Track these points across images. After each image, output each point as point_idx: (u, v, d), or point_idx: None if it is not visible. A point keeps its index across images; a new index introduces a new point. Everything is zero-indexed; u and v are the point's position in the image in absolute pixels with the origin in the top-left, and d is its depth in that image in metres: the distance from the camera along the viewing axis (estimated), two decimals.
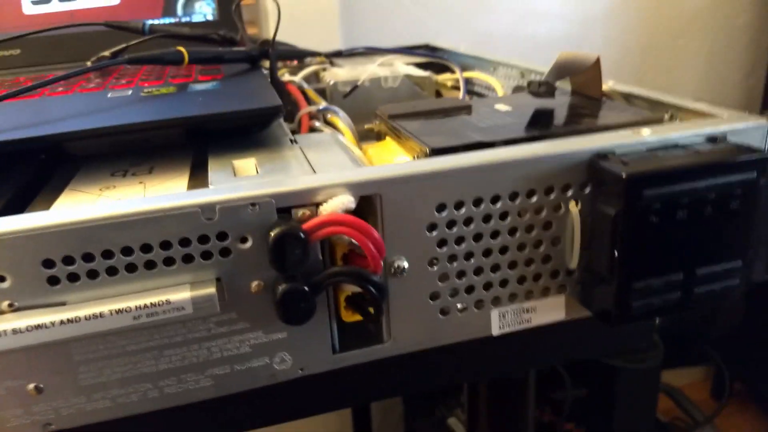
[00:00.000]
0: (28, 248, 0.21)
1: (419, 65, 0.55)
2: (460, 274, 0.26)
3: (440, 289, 0.26)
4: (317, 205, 0.23)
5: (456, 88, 0.54)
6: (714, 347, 1.07)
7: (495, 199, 0.26)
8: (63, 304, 0.21)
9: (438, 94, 0.53)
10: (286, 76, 0.50)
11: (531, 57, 0.49)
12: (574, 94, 0.36)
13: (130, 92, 0.33)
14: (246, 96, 0.31)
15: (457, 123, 0.32)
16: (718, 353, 1.06)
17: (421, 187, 0.24)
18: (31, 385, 0.22)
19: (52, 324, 0.21)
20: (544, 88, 0.33)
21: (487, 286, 0.27)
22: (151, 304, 0.22)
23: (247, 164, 0.27)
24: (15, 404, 0.22)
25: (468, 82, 0.56)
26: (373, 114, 0.36)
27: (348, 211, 0.23)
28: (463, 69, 0.55)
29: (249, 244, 0.23)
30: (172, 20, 0.52)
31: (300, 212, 0.23)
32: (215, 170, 0.26)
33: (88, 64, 0.43)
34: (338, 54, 0.52)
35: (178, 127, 0.28)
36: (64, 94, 0.34)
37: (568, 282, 0.28)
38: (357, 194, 0.24)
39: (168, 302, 0.22)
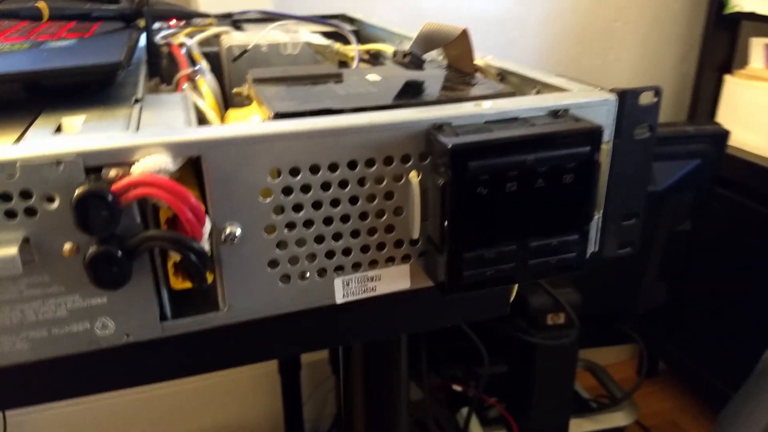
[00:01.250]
0: None
1: (328, 36, 0.54)
2: (300, 242, 0.26)
3: (279, 256, 0.26)
4: (130, 166, 0.23)
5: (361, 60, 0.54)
6: (638, 327, 1.11)
7: (333, 167, 0.25)
8: None
9: (341, 64, 0.53)
10: (180, 38, 0.48)
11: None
12: (449, 68, 0.36)
13: None
14: (90, 53, 0.30)
15: (319, 90, 0.31)
16: (643, 333, 1.10)
17: (249, 151, 0.24)
18: None
19: None
20: (408, 59, 0.32)
21: (330, 254, 0.27)
22: None
23: (73, 122, 0.26)
24: None
25: (379, 55, 0.56)
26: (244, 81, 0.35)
27: (166, 174, 0.23)
28: (373, 41, 0.55)
29: (56, 204, 0.22)
30: None
31: (112, 172, 0.22)
32: (39, 127, 0.25)
33: None
34: (228, 16, 0.50)
35: (10, 82, 0.27)
36: None
37: (412, 252, 0.28)
38: (177, 155, 0.23)
39: None
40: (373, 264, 0.28)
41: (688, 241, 1.06)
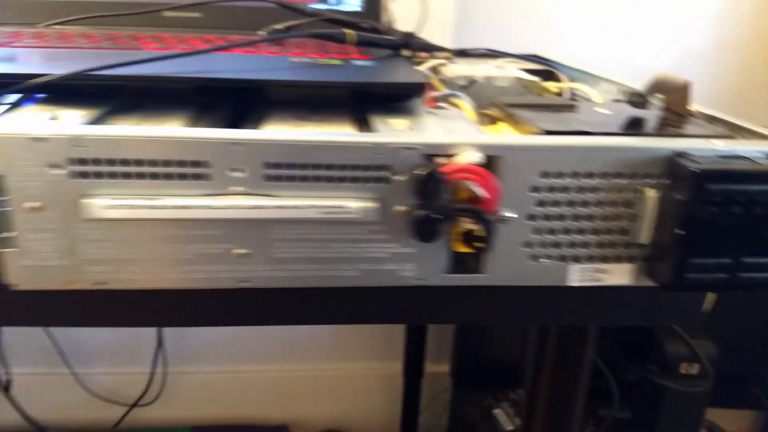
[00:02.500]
0: (261, 152, 0.30)
1: (529, 71, 0.62)
2: (551, 231, 0.34)
3: (533, 240, 0.34)
4: (451, 156, 0.31)
5: (559, 95, 0.61)
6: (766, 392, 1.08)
7: (589, 175, 0.33)
8: (272, 195, 0.31)
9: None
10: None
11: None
12: (665, 110, 0.43)
13: (307, 60, 0.42)
14: (398, 73, 0.40)
15: (565, 116, 0.39)
16: None
17: (533, 156, 0.32)
18: (238, 251, 0.32)
19: (267, 207, 0.30)
20: (638, 98, 0.40)
21: (572, 244, 0.34)
22: (335, 205, 0.31)
23: (400, 123, 0.35)
24: (225, 261, 0.32)
25: (570, 91, 0.63)
26: (488, 105, 0.44)
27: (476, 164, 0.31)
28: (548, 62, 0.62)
29: (401, 177, 0.31)
30: (325, 7, 0.62)
31: (440, 160, 0.31)
32: (377, 124, 0.35)
33: (265, 33, 0.53)
34: (462, 52, 0.60)
35: (350, 89, 0.37)
36: (253, 53, 0.44)
37: (638, 254, 0.35)
38: (484, 153, 0.32)
39: (344, 207, 0.31)
40: (604, 259, 0.35)
41: None
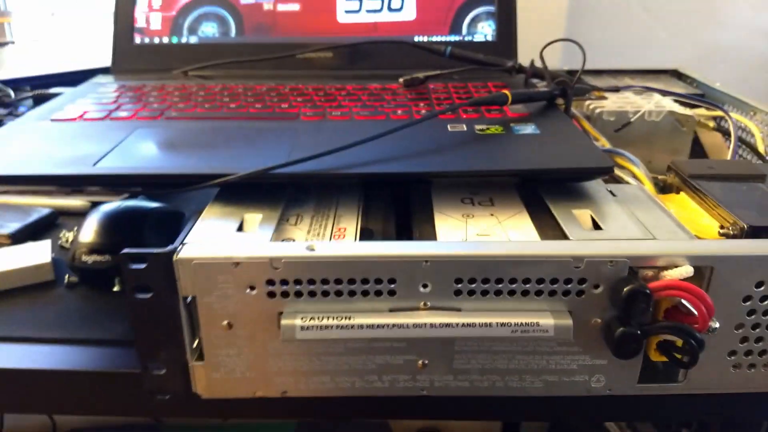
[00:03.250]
0: (449, 268, 0.29)
1: (676, 99, 0.57)
2: (758, 339, 0.31)
3: (738, 348, 0.31)
4: (658, 267, 0.29)
5: (716, 130, 0.56)
6: None
7: None
8: (459, 310, 0.29)
9: (696, 134, 0.55)
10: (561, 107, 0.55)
11: (759, 77, 0.49)
12: None
13: (464, 128, 0.40)
14: (572, 149, 0.37)
15: (759, 195, 0.35)
16: None
17: (747, 264, 0.29)
18: (421, 361, 0.31)
19: (455, 324, 0.29)
20: None
21: None
22: (526, 323, 0.29)
23: (584, 215, 0.33)
24: (406, 372, 0.31)
25: (723, 119, 0.57)
26: (639, 143, 0.40)
27: (686, 279, 0.28)
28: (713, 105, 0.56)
29: (599, 290, 0.29)
30: (457, 38, 0.59)
31: (646, 272, 0.29)
32: (561, 218, 0.33)
33: (401, 81, 0.51)
34: (615, 90, 0.55)
35: (520, 176, 0.35)
36: (404, 118, 0.43)
37: None
38: (693, 264, 0.29)
39: (537, 324, 0.29)
40: None
41: None
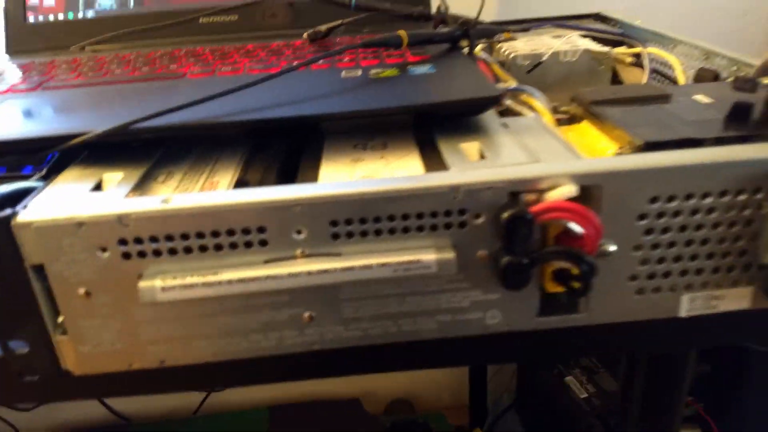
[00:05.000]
0: (322, 211, 0.27)
1: (595, 39, 0.55)
2: (660, 260, 0.29)
3: (639, 271, 0.30)
4: (541, 191, 0.27)
5: (634, 65, 0.55)
6: None
7: (705, 195, 0.28)
8: (339, 254, 0.27)
9: (615, 71, 0.54)
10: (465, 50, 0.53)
11: (698, 26, 0.48)
12: None
13: (359, 73, 0.38)
14: (465, 84, 0.35)
15: (662, 113, 0.34)
16: None
17: (639, 180, 0.27)
18: (307, 314, 0.29)
19: (334, 270, 0.27)
20: (749, 85, 0.33)
21: (683, 272, 0.30)
22: (407, 261, 0.27)
23: (472, 148, 0.31)
24: (293, 327, 0.29)
25: (641, 56, 0.56)
26: (555, 86, 0.38)
27: (570, 199, 0.27)
28: (637, 44, 0.55)
29: (481, 220, 0.27)
30: None
31: (527, 196, 0.27)
32: (447, 152, 0.31)
33: (305, 36, 0.49)
34: (520, 23, 0.54)
35: (413, 112, 0.33)
36: (303, 70, 0.40)
37: (757, 276, 0.30)
38: (580, 183, 0.27)
39: (419, 261, 0.27)
40: (720, 284, 0.30)
41: None
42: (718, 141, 0.30)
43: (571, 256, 0.27)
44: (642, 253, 0.29)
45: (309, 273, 0.27)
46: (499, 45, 0.54)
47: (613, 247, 0.29)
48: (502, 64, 0.51)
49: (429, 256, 0.27)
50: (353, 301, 0.29)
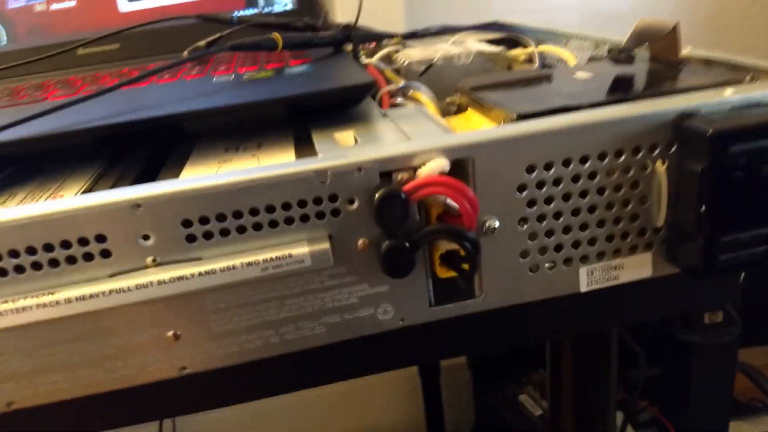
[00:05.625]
0: (168, 210, 0.24)
1: (491, 42, 0.56)
2: (549, 233, 0.28)
3: (530, 247, 0.28)
4: (414, 169, 0.25)
5: (528, 62, 0.55)
6: None
7: (583, 160, 0.27)
8: (199, 259, 0.25)
9: (511, 69, 0.54)
10: (363, 59, 0.52)
11: (598, 32, 0.49)
12: (653, 60, 0.37)
13: (232, 77, 0.36)
14: (339, 75, 0.33)
15: (540, 90, 0.33)
16: None
17: (511, 149, 0.26)
18: (170, 332, 0.26)
19: (191, 276, 0.24)
20: (623, 55, 0.33)
21: (576, 244, 0.28)
22: (276, 257, 0.24)
23: (346, 136, 0.29)
24: (156, 349, 0.26)
25: (540, 56, 0.57)
26: (451, 89, 0.38)
27: (443, 173, 0.25)
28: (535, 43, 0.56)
29: (356, 205, 0.25)
30: (255, 11, 0.55)
31: (399, 175, 0.25)
32: (319, 142, 0.29)
33: (185, 54, 0.46)
34: (413, 35, 0.53)
35: (282, 105, 0.31)
36: (171, 81, 0.38)
37: (654, 239, 0.29)
38: (451, 158, 0.26)
39: (290, 256, 0.24)
40: (617, 253, 0.29)
41: None
42: (593, 106, 0.29)
43: (451, 233, 0.25)
44: (529, 227, 0.28)
45: (161, 282, 0.24)
46: (396, 55, 0.53)
47: (496, 223, 0.27)
48: (398, 71, 0.51)
49: (301, 249, 0.25)
50: (223, 311, 0.26)
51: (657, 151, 0.27)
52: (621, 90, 0.31)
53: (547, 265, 0.29)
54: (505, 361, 0.99)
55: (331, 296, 0.27)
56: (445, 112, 0.39)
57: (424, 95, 0.38)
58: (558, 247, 0.28)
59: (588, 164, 0.27)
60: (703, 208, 0.26)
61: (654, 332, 0.91)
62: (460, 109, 0.38)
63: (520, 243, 0.28)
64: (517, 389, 0.98)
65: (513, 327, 0.30)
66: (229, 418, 1.08)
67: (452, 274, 0.28)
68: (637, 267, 0.29)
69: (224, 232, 0.25)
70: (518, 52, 0.55)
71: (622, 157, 0.27)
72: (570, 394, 0.39)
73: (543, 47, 0.54)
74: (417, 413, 1.10)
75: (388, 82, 0.46)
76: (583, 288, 0.29)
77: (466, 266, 0.27)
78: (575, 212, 0.28)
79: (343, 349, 0.28)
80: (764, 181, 0.26)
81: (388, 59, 0.55)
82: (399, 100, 0.40)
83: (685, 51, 0.37)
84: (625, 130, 0.27)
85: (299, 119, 0.33)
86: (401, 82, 0.44)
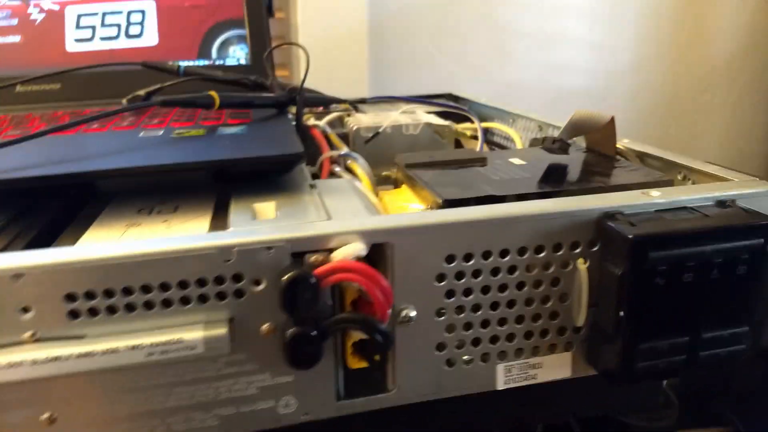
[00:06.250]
0: (52, 282, 0.22)
1: (441, 114, 0.56)
2: (467, 326, 0.27)
3: (447, 339, 0.27)
4: (330, 251, 0.24)
5: (475, 137, 0.55)
6: (732, 410, 1.03)
7: (504, 253, 0.26)
8: (82, 337, 0.22)
9: (457, 143, 0.55)
10: (311, 121, 0.52)
11: (555, 109, 0.50)
12: (589, 151, 0.37)
13: (161, 132, 0.34)
14: (270, 142, 0.32)
15: (471, 174, 0.33)
16: (740, 416, 1.02)
17: (431, 237, 0.25)
18: (45, 415, 0.23)
19: (69, 356, 0.22)
20: (558, 145, 0.34)
21: (494, 339, 0.27)
22: (164, 342, 0.22)
23: (267, 207, 0.28)
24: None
25: (488, 132, 0.57)
26: (392, 162, 0.37)
27: (359, 259, 0.24)
28: (483, 120, 0.57)
29: (262, 286, 0.24)
30: (207, 62, 0.54)
31: (313, 257, 0.24)
32: (236, 212, 0.27)
33: (124, 102, 0.45)
34: (362, 101, 0.53)
35: (202, 169, 0.29)
36: (99, 131, 0.36)
37: (574, 339, 0.28)
38: (369, 242, 0.24)
39: (180, 341, 0.23)
40: (536, 350, 0.28)
41: None
42: (520, 198, 0.29)
43: (361, 324, 0.24)
44: (446, 318, 0.26)
45: (35, 362, 0.22)
46: (347, 119, 0.53)
47: (413, 312, 0.26)
48: (346, 135, 0.50)
49: (193, 334, 0.23)
50: (104, 396, 0.23)
51: (579, 249, 0.27)
52: (550, 181, 0.31)
53: (464, 359, 0.27)
54: None
55: (228, 386, 0.25)
56: (384, 184, 0.38)
57: (360, 168, 0.37)
58: (475, 342, 0.27)
59: (508, 258, 0.26)
60: (622, 312, 0.25)
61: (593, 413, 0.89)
62: (396, 184, 0.37)
63: (437, 335, 0.27)
64: None
65: (428, 423, 0.29)
66: None
67: (364, 364, 0.26)
68: (556, 366, 0.28)
69: (111, 310, 0.23)
70: (465, 127, 0.56)
71: (543, 253, 0.26)
72: None
73: (491, 124, 0.55)
74: None
75: (332, 147, 0.45)
76: (500, 385, 0.28)
77: (377, 357, 0.26)
78: (494, 306, 0.27)
79: None
80: (685, 290, 0.26)
81: (339, 123, 0.55)
82: (338, 169, 0.39)
83: (622, 143, 0.37)
84: (547, 225, 0.26)
85: (224, 183, 0.32)
86: (344, 149, 0.43)
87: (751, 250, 0.26)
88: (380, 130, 0.48)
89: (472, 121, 0.56)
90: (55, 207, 0.31)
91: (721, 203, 0.27)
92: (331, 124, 0.53)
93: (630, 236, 0.24)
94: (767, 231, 0.26)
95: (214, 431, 0.25)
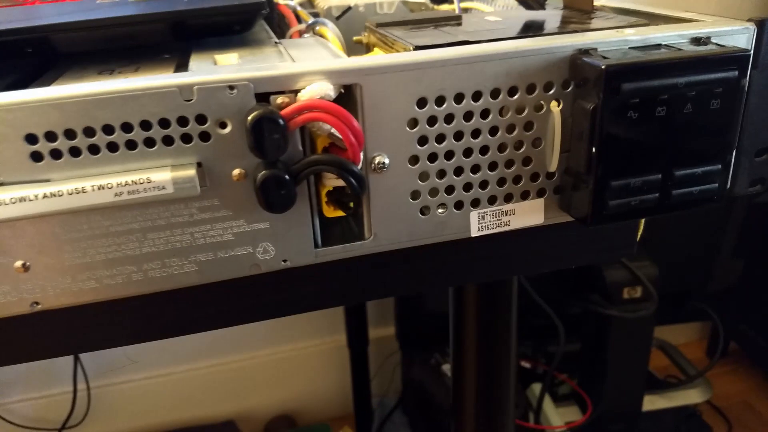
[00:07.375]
0: (8, 122, 0.21)
1: None
2: (441, 174, 0.27)
3: (420, 188, 0.27)
4: (296, 92, 0.23)
5: None
6: (712, 305, 1.08)
7: (476, 96, 0.26)
8: (48, 181, 0.22)
9: None
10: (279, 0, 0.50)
11: None
12: (566, 7, 0.36)
13: None
14: None
15: (445, 30, 0.31)
16: (716, 311, 1.07)
17: (401, 78, 0.24)
18: (19, 263, 0.23)
19: (36, 197, 0.21)
20: (535, 1, 0.32)
21: (467, 186, 0.27)
22: (132, 181, 0.22)
23: (228, 57, 0.27)
24: (3, 281, 0.23)
25: (466, 11, 0.55)
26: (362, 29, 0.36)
27: (327, 99, 0.23)
28: None
29: (228, 129, 0.23)
30: None
31: (279, 99, 0.23)
32: (196, 61, 0.26)
33: None
34: None
35: (160, 22, 0.28)
36: (56, 2, 0.34)
37: (547, 185, 0.28)
38: (337, 83, 0.24)
39: (149, 180, 0.22)
40: (509, 198, 0.28)
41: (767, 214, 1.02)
42: (493, 41, 0.28)
43: (333, 165, 0.24)
44: (420, 166, 0.26)
45: (2, 203, 0.21)
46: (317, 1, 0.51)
47: (386, 159, 0.26)
48: (317, 15, 0.48)
49: (161, 175, 0.22)
50: (76, 242, 0.23)
51: (552, 90, 0.26)
52: (526, 31, 0.30)
53: (437, 207, 0.27)
54: (431, 332, 1.00)
55: (203, 231, 0.25)
56: (354, 52, 0.37)
57: (330, 32, 0.35)
58: (449, 189, 0.27)
59: (481, 101, 0.26)
60: (594, 149, 0.25)
61: (576, 308, 0.93)
62: (369, 50, 0.36)
63: (411, 183, 0.27)
64: (441, 359, 0.99)
65: (405, 272, 0.29)
66: (148, 385, 1.05)
67: (340, 213, 0.26)
68: (529, 213, 0.29)
69: (75, 152, 0.22)
70: (442, 7, 0.53)
71: (516, 95, 0.26)
72: (473, 348, 0.39)
73: (468, 4, 0.52)
74: (345, 384, 1.10)
75: (299, 19, 0.43)
76: (474, 232, 0.28)
77: (352, 204, 0.26)
78: (467, 153, 0.27)
79: (219, 292, 0.26)
80: (658, 125, 0.25)
81: (310, 5, 0.52)
82: (306, 35, 0.37)
83: (599, 2, 0.36)
84: (520, 65, 0.25)
85: (185, 41, 0.31)
86: (310, 20, 0.42)
87: (725, 83, 0.25)
88: (351, 6, 0.46)
89: (451, 1, 0.54)
90: (14, 72, 0.29)
91: (695, 40, 0.27)
92: (301, 5, 0.50)
93: (603, 67, 0.24)
94: (741, 62, 0.25)
95: (193, 278, 0.25)
